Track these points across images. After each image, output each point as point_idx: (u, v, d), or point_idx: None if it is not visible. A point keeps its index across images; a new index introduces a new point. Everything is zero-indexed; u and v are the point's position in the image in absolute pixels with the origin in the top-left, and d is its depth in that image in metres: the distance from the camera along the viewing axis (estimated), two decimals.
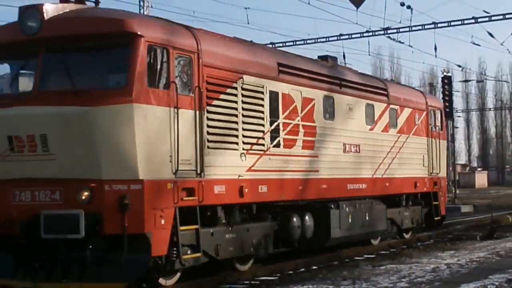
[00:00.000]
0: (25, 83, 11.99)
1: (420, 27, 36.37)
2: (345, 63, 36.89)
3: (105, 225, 11.05)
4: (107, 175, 11.12)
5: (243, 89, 13.72)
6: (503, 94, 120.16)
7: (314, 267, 15.90)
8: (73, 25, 11.67)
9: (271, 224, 14.82)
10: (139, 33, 11.43)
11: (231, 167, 13.28)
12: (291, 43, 40.12)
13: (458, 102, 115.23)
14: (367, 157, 18.41)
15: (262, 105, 14.32)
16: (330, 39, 39.37)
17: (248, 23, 52.80)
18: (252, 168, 13.88)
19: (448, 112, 43.43)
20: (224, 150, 13.11)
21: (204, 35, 13.23)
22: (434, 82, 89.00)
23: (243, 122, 13.68)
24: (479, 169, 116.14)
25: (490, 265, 15.59)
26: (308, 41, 40.36)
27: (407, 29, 36.41)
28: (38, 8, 11.63)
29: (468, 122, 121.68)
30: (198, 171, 12.31)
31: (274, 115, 14.68)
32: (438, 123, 23.23)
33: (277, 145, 14.77)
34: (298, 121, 15.53)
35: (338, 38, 38.89)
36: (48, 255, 11.35)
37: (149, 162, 11.36)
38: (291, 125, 15.24)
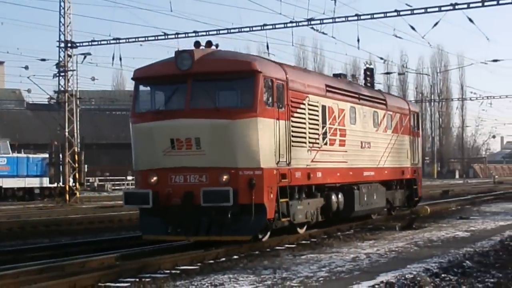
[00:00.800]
0: (160, 103, 17.71)
1: (343, 19, 36.76)
2: (268, 54, 37.00)
3: (239, 197, 16.19)
4: (241, 165, 16.47)
5: (308, 105, 19.17)
6: (424, 87, 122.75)
7: (235, 257, 15.89)
8: (214, 64, 17.04)
9: (320, 199, 20.07)
10: (259, 70, 16.88)
11: (303, 159, 18.70)
12: (215, 32, 40.04)
13: None
14: (374, 151, 23.95)
15: (317, 115, 19.73)
16: (254, 29, 39.45)
17: (172, 11, 52.55)
18: (313, 160, 19.32)
19: None
20: (300, 148, 18.52)
21: (288, 68, 18.93)
22: (357, 74, 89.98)
23: (309, 128, 19.12)
24: None
25: (409, 255, 15.83)
26: (232, 31, 40.35)
27: (331, 20, 36.78)
28: (190, 52, 17.00)
29: None
30: (288, 162, 17.64)
31: (323, 122, 20.07)
32: (416, 124, 28.96)
33: (326, 144, 20.19)
34: (337, 125, 21.01)
35: (262, 28, 39.00)
36: (196, 218, 16.50)
37: (265, 156, 16.75)
38: (332, 129, 20.68)
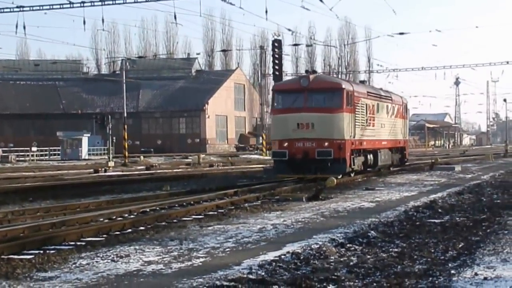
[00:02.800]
0: (289, 103, 29.53)
1: None
2: (176, 24, 36.62)
3: (334, 154, 28.06)
4: (335, 137, 28.50)
5: (360, 104, 31.26)
6: (331, 59, 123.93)
7: (142, 228, 15.72)
8: (321, 84, 29.66)
9: (363, 157, 31.64)
10: (344, 87, 29.34)
11: (358, 135, 30.60)
12: (121, 1, 39.33)
13: (288, 65, 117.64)
14: (386, 130, 36.33)
15: (364, 110, 31.92)
16: None
17: None
18: (362, 135, 31.32)
19: (278, 75, 44.15)
20: (358, 128, 30.42)
21: (354, 84, 33.16)
22: (265, 46, 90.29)
23: (361, 117, 31.17)
24: None
25: (315, 225, 15.94)
26: (139, 0, 39.73)
27: None
28: (308, 77, 29.41)
29: None
30: (353, 136, 29.67)
31: (366, 113, 32.14)
32: (405, 111, 42.26)
33: (368, 125, 32.37)
34: (371, 115, 33.12)
35: None
36: (310, 165, 28.29)
37: (346, 133, 28.78)
38: (369, 117, 32.79)
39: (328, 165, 28.07)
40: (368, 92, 33.41)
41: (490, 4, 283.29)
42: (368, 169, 33.37)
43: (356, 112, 30.44)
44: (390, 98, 37.73)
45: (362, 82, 38.99)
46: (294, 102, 29.25)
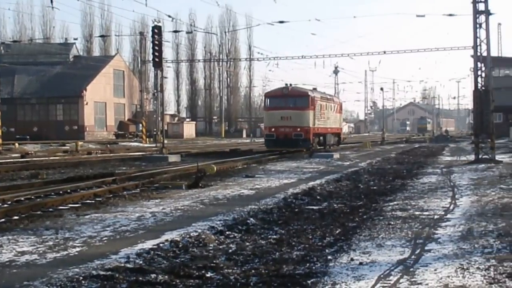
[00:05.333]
0: (276, 104, 46.25)
1: None
2: (53, 8, 35.88)
3: (304, 136, 44.83)
4: (305, 125, 45.11)
5: (318, 104, 47.47)
6: (212, 46, 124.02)
7: (15, 218, 15.23)
8: (295, 92, 46.30)
9: (319, 138, 48.70)
10: (309, 94, 46.57)
11: (316, 123, 46.89)
12: None
13: (168, 52, 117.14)
14: (331, 121, 52.52)
15: (319, 108, 47.80)
16: None
17: None
18: (318, 124, 47.52)
19: (158, 62, 43.77)
20: (317, 120, 46.74)
21: (315, 91, 49.85)
22: (145, 32, 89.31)
23: (318, 113, 47.52)
24: (187, 119, 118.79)
25: (194, 213, 15.86)
26: None
27: None
28: (288, 87, 46.43)
29: (177, 73, 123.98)
30: (314, 125, 46.22)
31: (320, 110, 48.25)
32: (340, 108, 58.12)
33: (321, 118, 48.58)
34: (323, 111, 49.08)
35: None
36: (287, 143, 44.86)
37: (310, 123, 45.44)
38: (322, 113, 48.86)
39: (300, 143, 44.67)
40: (321, 96, 50.71)
41: None
42: (321, 146, 49.43)
43: (315, 110, 46.85)
44: (332, 100, 55.61)
45: (315, 89, 51.58)
46: (279, 103, 45.66)
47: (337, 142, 56.29)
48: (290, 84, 47.37)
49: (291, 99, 45.53)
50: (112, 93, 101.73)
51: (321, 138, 49.31)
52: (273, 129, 45.21)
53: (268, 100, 47.60)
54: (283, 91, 45.93)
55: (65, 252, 11.21)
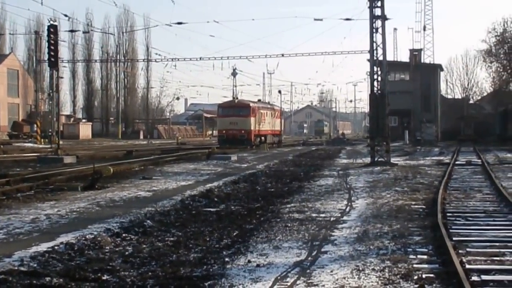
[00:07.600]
0: (227, 113, 65.68)
1: None
2: None
3: (247, 136, 63.06)
4: (248, 128, 63.30)
5: (258, 112, 66.55)
6: (110, 46, 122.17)
7: None
8: (241, 104, 66.78)
9: (260, 138, 67.92)
10: (251, 105, 65.52)
11: (258, 127, 66.01)
12: None
13: (64, 52, 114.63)
14: (271, 125, 72.13)
15: (260, 115, 66.71)
16: None
17: None
18: (259, 127, 66.40)
19: (53, 62, 43.01)
20: (257, 124, 65.57)
21: (258, 102, 75.80)
22: (41, 31, 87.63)
23: (259, 118, 66.33)
24: (83, 120, 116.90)
25: (90, 215, 15.64)
26: None
27: None
28: (235, 100, 71.92)
29: (74, 73, 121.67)
30: (256, 128, 65.19)
31: (261, 116, 67.47)
32: (280, 114, 79.81)
33: (263, 122, 68.14)
34: (263, 117, 68.34)
35: None
36: (236, 141, 61.61)
37: (252, 127, 63.96)
38: (262, 118, 67.77)
39: (244, 141, 61.11)
40: (262, 106, 70.38)
41: None
42: (261, 144, 63.60)
43: (256, 117, 64.25)
44: (273, 108, 75.42)
45: (260, 100, 71.93)
46: (228, 112, 63.71)
47: (278, 142, 74.25)
48: (237, 98, 70.53)
49: (237, 108, 63.99)
50: (5, 93, 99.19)
51: (262, 138, 67.32)
52: (224, 131, 64.24)
53: (221, 109, 66.79)
54: (231, 103, 67.46)
55: None
